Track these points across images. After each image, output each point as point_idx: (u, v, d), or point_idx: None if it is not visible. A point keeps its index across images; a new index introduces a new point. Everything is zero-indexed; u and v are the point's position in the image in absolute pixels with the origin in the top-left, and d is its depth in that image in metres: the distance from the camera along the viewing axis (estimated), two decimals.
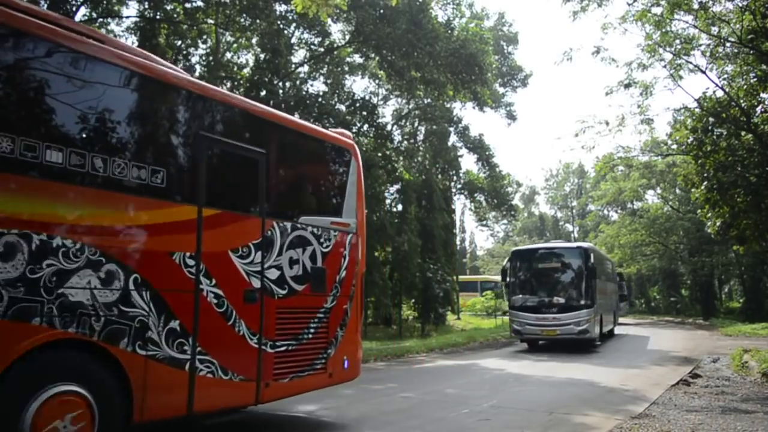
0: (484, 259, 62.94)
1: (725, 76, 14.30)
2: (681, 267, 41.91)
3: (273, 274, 5.42)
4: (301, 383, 5.73)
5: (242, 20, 19.60)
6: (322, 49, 22.64)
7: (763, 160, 13.11)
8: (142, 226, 4.38)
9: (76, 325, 3.86)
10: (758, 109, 13.55)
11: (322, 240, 6.07)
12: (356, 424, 6.56)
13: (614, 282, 23.24)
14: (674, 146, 18.13)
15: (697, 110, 14.16)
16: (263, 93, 19.61)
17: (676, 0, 12.60)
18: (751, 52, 12.65)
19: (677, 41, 13.86)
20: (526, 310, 16.03)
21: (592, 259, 15.75)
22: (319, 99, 20.60)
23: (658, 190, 38.70)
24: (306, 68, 24.05)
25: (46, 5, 15.13)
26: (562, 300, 15.79)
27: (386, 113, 31.26)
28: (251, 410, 6.03)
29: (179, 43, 20.95)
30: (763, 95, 13.36)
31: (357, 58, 25.09)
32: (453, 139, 29.68)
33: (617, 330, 22.55)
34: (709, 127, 13.85)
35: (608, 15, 52.68)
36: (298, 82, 22.86)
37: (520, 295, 16.54)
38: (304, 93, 21.07)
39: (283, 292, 5.52)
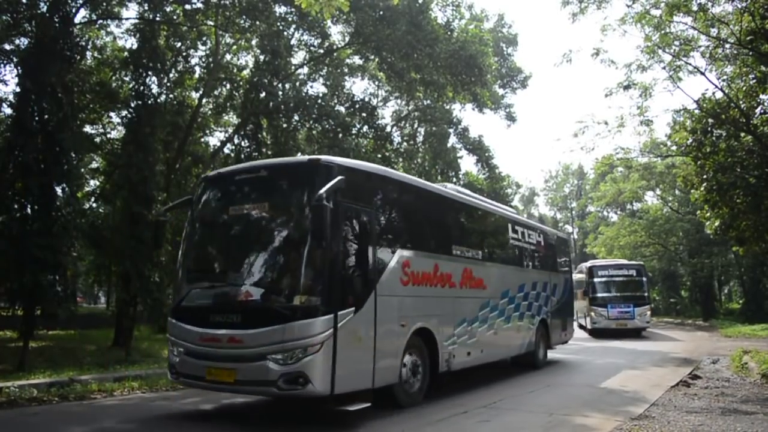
0: None
1: (724, 77, 14.31)
2: (681, 268, 41.91)
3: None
4: None
5: (242, 22, 19.61)
6: (321, 51, 22.64)
7: (762, 162, 13.12)
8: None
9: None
10: (757, 110, 13.56)
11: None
12: (356, 425, 6.55)
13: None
14: (674, 147, 18.12)
15: (697, 111, 14.16)
16: (263, 95, 19.63)
17: (675, 2, 12.59)
18: (751, 53, 12.65)
19: (676, 43, 13.86)
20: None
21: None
22: (319, 100, 20.60)
23: (658, 192, 38.69)
24: (306, 70, 24.07)
25: (46, 6, 15.16)
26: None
27: (386, 115, 31.30)
28: None
29: (179, 44, 20.96)
30: (762, 96, 13.38)
31: (357, 60, 25.09)
32: (453, 140, 29.67)
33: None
34: (709, 129, 13.85)
35: (607, 17, 52.86)
36: (297, 84, 22.89)
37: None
38: (303, 94, 21.07)
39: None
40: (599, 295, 22.69)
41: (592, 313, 22.47)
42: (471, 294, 9.41)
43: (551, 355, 13.50)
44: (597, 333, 21.86)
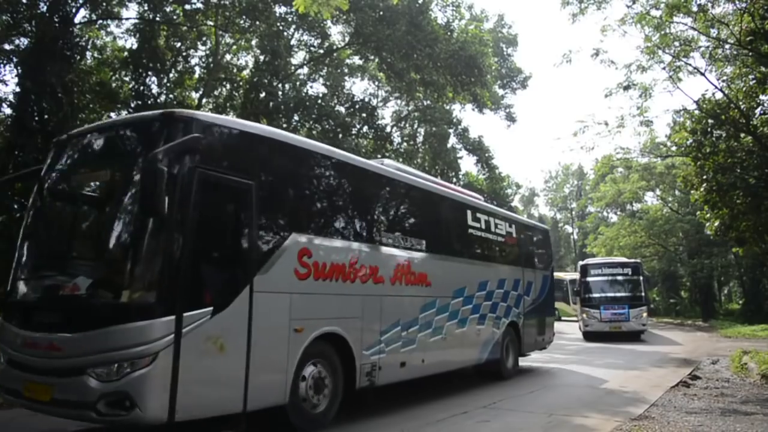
0: None
1: (724, 78, 14.29)
2: (680, 269, 41.89)
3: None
4: None
5: (242, 22, 19.60)
6: (321, 51, 22.64)
7: (762, 162, 13.11)
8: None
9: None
10: (757, 111, 13.55)
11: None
12: (355, 424, 6.56)
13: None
14: (673, 148, 18.13)
15: (697, 112, 14.15)
16: (263, 95, 19.62)
17: (675, 2, 12.59)
18: (750, 54, 12.65)
19: (676, 43, 13.86)
20: None
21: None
22: (319, 101, 20.60)
23: (658, 192, 38.70)
24: (306, 70, 24.05)
25: (45, 6, 15.16)
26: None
27: (386, 115, 31.29)
28: None
29: (179, 44, 20.94)
30: (762, 97, 13.36)
31: (356, 60, 25.09)
32: (453, 140, 29.67)
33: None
34: (709, 129, 13.84)
35: (607, 17, 52.66)
36: (297, 84, 22.87)
37: None
38: (303, 95, 21.07)
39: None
40: (591, 295, 21.18)
41: (584, 315, 20.96)
42: (408, 292, 7.79)
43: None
44: (591, 336, 20.58)
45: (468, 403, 7.95)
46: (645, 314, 20.54)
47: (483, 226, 10.29)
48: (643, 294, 20.99)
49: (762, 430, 6.42)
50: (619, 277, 21.54)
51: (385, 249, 7.48)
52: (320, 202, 6.69)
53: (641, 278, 21.44)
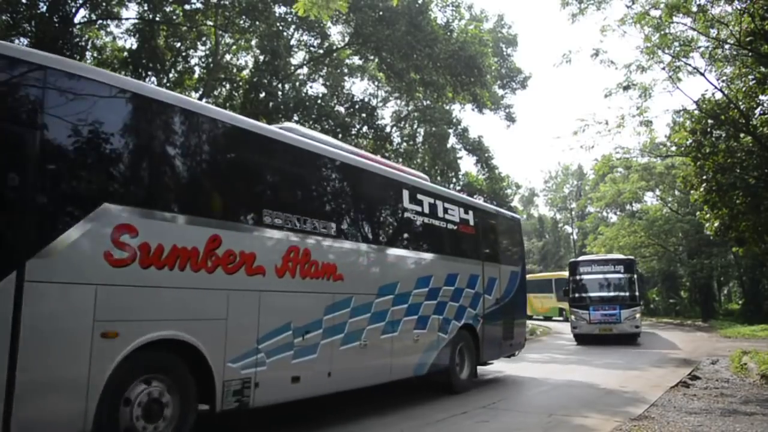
0: None
1: (724, 78, 14.28)
2: (680, 269, 41.89)
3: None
4: None
5: (242, 22, 19.61)
6: (321, 51, 22.64)
7: (762, 162, 13.11)
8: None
9: None
10: (757, 111, 13.54)
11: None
12: (355, 424, 6.55)
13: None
14: (673, 148, 18.11)
15: (696, 112, 14.15)
16: (263, 95, 19.62)
17: (674, 2, 12.59)
18: (750, 54, 12.65)
19: (676, 43, 13.85)
20: None
21: None
22: (319, 101, 20.60)
23: (657, 192, 38.69)
24: (305, 70, 24.05)
25: (45, 6, 15.16)
26: None
27: (385, 115, 31.28)
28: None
29: (179, 44, 20.95)
30: (762, 97, 13.36)
31: (356, 60, 25.09)
32: (452, 140, 29.65)
33: None
34: (708, 129, 13.84)
35: (607, 18, 52.68)
36: (297, 84, 22.87)
37: None
38: (303, 95, 21.07)
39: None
40: (580, 294, 19.71)
41: (573, 317, 19.59)
42: (306, 287, 6.20)
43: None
44: (581, 339, 19.22)
45: (467, 403, 7.95)
46: (638, 315, 18.89)
47: (426, 210, 8.53)
48: (636, 293, 19.32)
49: (762, 430, 6.42)
50: (611, 275, 19.86)
51: (268, 232, 5.81)
52: (157, 165, 4.99)
53: (634, 276, 19.68)
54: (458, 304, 9.07)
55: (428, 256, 8.57)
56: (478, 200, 13.42)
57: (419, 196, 8.49)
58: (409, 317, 7.90)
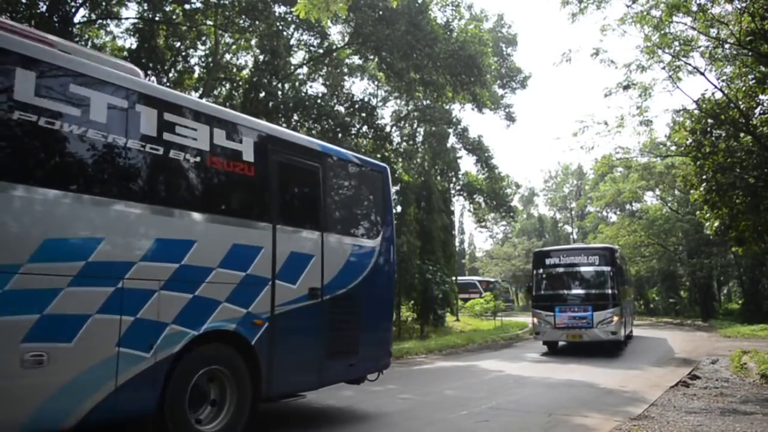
0: (483, 261, 62.93)
1: (724, 77, 14.31)
2: (680, 268, 41.93)
3: None
4: None
5: (241, 22, 19.61)
6: (321, 51, 22.65)
7: (761, 162, 13.12)
8: None
9: None
10: (757, 110, 13.56)
11: None
12: (356, 424, 6.55)
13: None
14: (673, 147, 18.16)
15: (696, 112, 14.18)
16: (262, 94, 19.62)
17: (674, 2, 12.60)
18: (750, 53, 12.66)
19: (676, 43, 13.87)
20: None
21: None
22: (318, 100, 20.60)
23: (657, 192, 38.74)
24: (305, 70, 24.06)
25: (45, 6, 15.15)
26: None
27: (385, 115, 31.30)
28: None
29: (178, 44, 20.95)
30: (761, 97, 13.37)
31: (356, 60, 25.10)
32: (452, 140, 29.67)
33: None
34: (708, 129, 13.86)
35: (607, 17, 52.90)
36: (297, 84, 22.87)
37: None
38: (303, 94, 21.07)
39: None
40: (544, 292, 15.89)
41: (535, 319, 15.93)
42: None
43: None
44: (552, 346, 15.85)
45: (467, 402, 7.95)
46: (617, 318, 14.69)
47: (103, 120, 4.67)
48: (614, 291, 15.11)
49: (761, 429, 6.42)
50: (582, 269, 15.81)
51: None
52: None
53: (611, 269, 15.45)
54: (193, 296, 5.16)
55: (96, 204, 4.57)
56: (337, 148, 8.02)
57: (72, 88, 4.50)
58: (15, 317, 3.96)
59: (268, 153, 6.13)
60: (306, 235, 6.48)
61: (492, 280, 42.86)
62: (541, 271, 16.14)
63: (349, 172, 7.67)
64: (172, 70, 20.50)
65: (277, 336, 5.86)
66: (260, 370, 5.66)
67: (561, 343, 15.75)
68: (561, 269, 16.01)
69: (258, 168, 6.00)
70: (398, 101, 29.10)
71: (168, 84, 19.08)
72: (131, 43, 19.66)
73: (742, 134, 13.68)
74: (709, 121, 13.75)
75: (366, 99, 24.58)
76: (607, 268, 15.54)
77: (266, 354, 5.72)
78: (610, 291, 15.18)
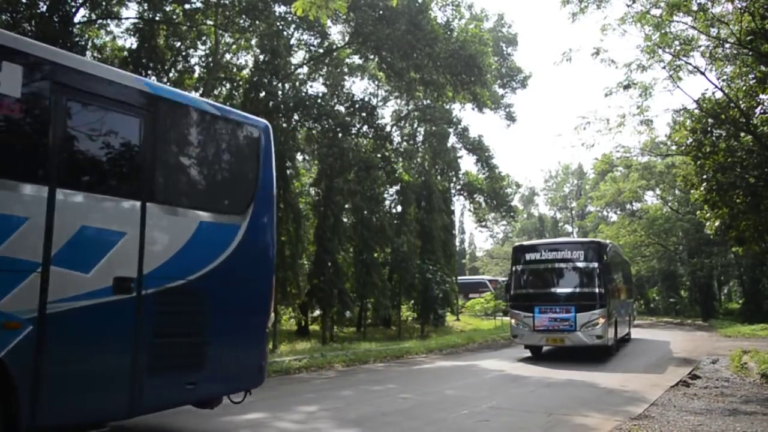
0: (483, 260, 62.94)
1: (724, 77, 14.31)
2: (680, 268, 41.95)
3: None
4: None
5: (242, 21, 19.60)
6: (321, 51, 22.63)
7: (762, 162, 13.12)
8: None
9: None
10: (757, 110, 13.56)
11: None
12: (356, 424, 6.55)
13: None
14: (673, 147, 18.13)
15: (697, 111, 14.17)
16: (263, 94, 19.62)
17: (675, 1, 12.59)
18: (750, 53, 12.65)
19: (676, 42, 13.87)
20: None
21: None
22: (319, 100, 20.59)
23: (658, 191, 38.73)
24: (305, 69, 24.04)
25: (45, 6, 15.15)
26: None
27: (386, 114, 31.31)
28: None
29: (178, 44, 20.95)
30: (762, 96, 13.37)
31: (356, 60, 25.09)
32: (452, 140, 29.69)
33: None
34: (709, 128, 13.86)
35: (607, 17, 52.89)
36: (297, 84, 22.86)
37: None
38: (303, 94, 21.06)
39: None
40: (522, 291, 14.47)
41: (512, 321, 14.57)
42: None
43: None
44: (536, 350, 14.42)
45: (468, 402, 7.95)
46: (602, 320, 13.28)
47: None
48: (600, 290, 13.58)
49: (762, 429, 6.42)
50: (565, 265, 14.32)
51: None
52: None
53: (598, 266, 13.86)
54: None
55: None
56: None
57: None
58: None
59: (52, 88, 4.43)
60: (112, 204, 4.80)
61: (502, 279, 42.86)
62: (520, 267, 14.66)
63: (199, 126, 5.77)
64: (173, 69, 20.50)
65: (51, 344, 4.20)
66: (16, 392, 3.97)
67: (545, 347, 14.50)
68: (542, 265, 14.58)
69: (29, 106, 4.35)
70: (398, 101, 29.11)
71: (168, 83, 19.08)
72: (131, 43, 19.67)
73: (742, 134, 13.67)
74: (710, 120, 13.74)
75: (366, 99, 24.56)
76: (593, 265, 13.98)
77: (29, 369, 4.05)
78: (596, 290, 13.67)
